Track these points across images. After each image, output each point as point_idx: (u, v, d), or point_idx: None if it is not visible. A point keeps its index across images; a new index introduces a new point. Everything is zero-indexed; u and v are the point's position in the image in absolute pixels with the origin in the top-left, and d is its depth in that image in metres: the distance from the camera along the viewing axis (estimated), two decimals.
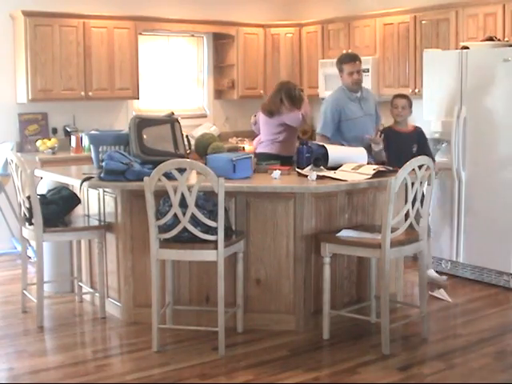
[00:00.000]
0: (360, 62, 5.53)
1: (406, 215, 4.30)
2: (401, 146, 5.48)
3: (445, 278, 5.68)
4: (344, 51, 6.93)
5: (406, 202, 4.34)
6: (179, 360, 4.13)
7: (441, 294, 5.28)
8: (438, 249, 5.89)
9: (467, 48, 5.77)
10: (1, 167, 6.40)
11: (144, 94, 7.64)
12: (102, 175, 4.54)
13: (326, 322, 4.43)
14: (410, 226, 4.31)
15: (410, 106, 5.61)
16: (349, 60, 5.50)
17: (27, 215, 4.76)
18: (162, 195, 4.20)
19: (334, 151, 4.94)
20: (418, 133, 5.66)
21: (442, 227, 5.91)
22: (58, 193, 4.99)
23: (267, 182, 4.55)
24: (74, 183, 4.85)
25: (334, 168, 4.77)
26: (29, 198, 4.67)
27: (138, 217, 4.63)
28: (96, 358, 4.22)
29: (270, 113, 5.97)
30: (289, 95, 5.91)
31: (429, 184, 4.37)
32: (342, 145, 5.36)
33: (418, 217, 4.35)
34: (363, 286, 4.82)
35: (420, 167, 4.24)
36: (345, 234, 4.45)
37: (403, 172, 4.14)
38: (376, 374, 3.95)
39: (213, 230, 4.12)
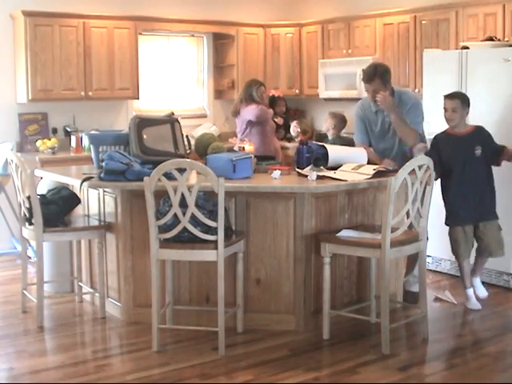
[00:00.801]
0: (379, 79, 4.96)
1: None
2: (458, 149, 4.90)
3: (480, 306, 5.03)
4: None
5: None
6: (179, 360, 4.12)
7: (446, 295, 5.26)
8: (437, 249, 5.89)
9: (467, 48, 5.77)
10: (1, 167, 6.40)
11: (144, 94, 7.64)
12: (101, 175, 4.54)
13: (326, 321, 4.42)
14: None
15: (466, 105, 4.93)
16: (364, 80, 5.08)
17: (27, 215, 4.76)
18: (162, 195, 4.20)
19: (334, 151, 4.94)
20: (478, 133, 4.99)
21: (441, 227, 5.90)
22: (58, 193, 4.99)
23: (267, 182, 4.55)
24: (74, 183, 4.84)
25: (334, 168, 4.77)
26: (29, 198, 4.67)
27: (138, 217, 4.63)
28: (96, 357, 4.22)
29: (233, 112, 6.50)
30: (249, 94, 6.30)
31: (428, 184, 4.37)
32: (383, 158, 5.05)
33: (417, 217, 4.36)
34: (363, 286, 4.82)
35: (420, 167, 4.24)
36: (345, 233, 4.45)
37: (403, 172, 4.13)
38: (376, 374, 3.95)
39: (213, 230, 4.12)
